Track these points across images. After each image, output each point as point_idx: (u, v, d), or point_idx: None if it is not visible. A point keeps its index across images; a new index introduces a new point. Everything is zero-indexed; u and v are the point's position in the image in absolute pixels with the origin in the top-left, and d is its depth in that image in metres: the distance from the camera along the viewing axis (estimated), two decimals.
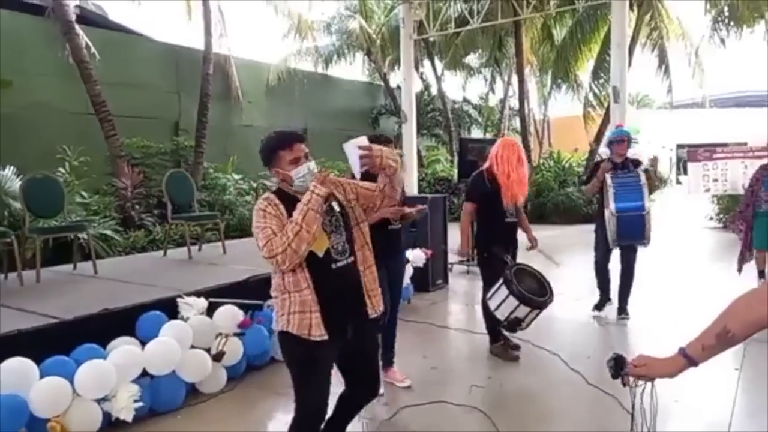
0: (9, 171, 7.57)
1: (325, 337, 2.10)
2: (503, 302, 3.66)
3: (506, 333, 4.21)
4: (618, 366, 1.56)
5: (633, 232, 4.68)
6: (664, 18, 13.53)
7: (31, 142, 8.78)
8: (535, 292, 3.69)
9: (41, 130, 9.19)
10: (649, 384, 1.54)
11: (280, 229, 2.05)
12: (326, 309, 2.12)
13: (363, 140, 2.18)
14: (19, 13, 9.57)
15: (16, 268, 4.68)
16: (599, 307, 5.25)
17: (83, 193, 8.11)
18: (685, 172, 14.35)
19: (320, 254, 2.12)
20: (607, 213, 4.77)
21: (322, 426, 2.26)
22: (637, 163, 4.97)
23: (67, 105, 9.72)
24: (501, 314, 3.70)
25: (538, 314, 3.72)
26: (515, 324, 3.69)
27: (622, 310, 5.07)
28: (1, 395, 2.65)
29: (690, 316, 4.84)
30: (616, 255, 5.13)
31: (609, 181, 4.71)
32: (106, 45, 10.25)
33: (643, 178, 4.69)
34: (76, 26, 9.26)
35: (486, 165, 4.14)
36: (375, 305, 2.27)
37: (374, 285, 2.27)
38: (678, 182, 23.88)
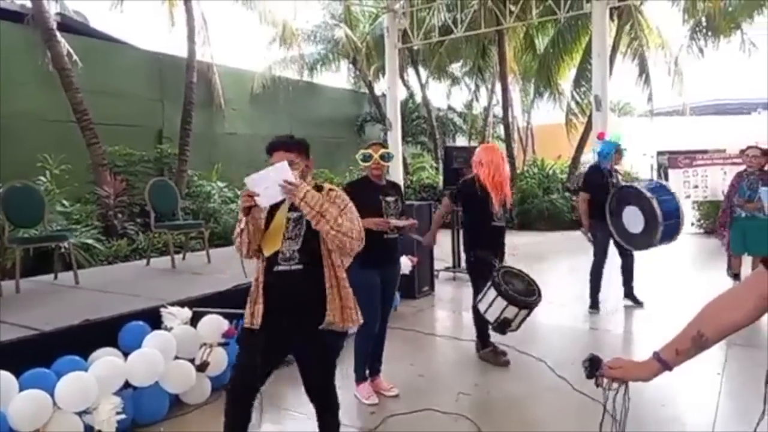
0: None
1: (256, 327, 2.29)
2: (492, 304, 3.71)
3: (493, 337, 4.24)
4: (593, 366, 1.58)
5: (672, 234, 5.06)
6: (644, 28, 13.79)
7: (10, 150, 8.62)
8: (523, 293, 3.74)
9: (21, 138, 9.04)
10: (622, 386, 1.55)
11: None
12: (266, 304, 2.29)
13: (284, 168, 2.21)
14: None
15: None
16: (595, 306, 5.53)
17: (64, 202, 7.99)
18: (666, 179, 14.58)
19: (266, 254, 2.31)
20: (635, 219, 5.06)
21: None
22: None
23: (48, 113, 9.58)
24: (491, 316, 3.75)
25: (527, 315, 3.76)
26: (505, 325, 3.72)
27: (635, 300, 5.62)
28: None
29: (674, 322, 4.90)
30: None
31: (646, 193, 4.97)
32: (88, 52, 10.15)
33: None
34: (57, 34, 9.14)
35: (473, 173, 4.17)
36: (332, 318, 2.30)
37: (334, 303, 2.32)
38: None
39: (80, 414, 2.87)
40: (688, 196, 11.44)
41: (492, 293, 3.71)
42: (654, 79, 14.08)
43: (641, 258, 5.70)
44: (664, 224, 4.82)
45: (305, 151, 2.42)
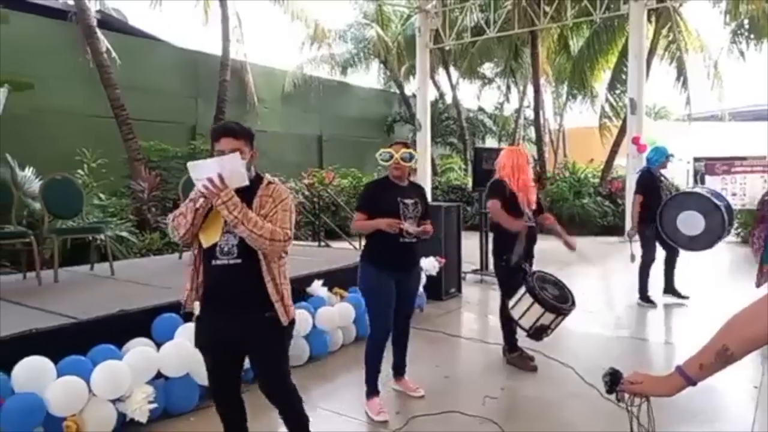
0: (29, 172, 7.69)
1: (197, 313, 2.30)
2: (528, 310, 3.64)
3: (520, 342, 4.19)
4: (613, 381, 1.53)
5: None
6: (683, 30, 13.45)
7: (50, 144, 8.92)
8: (558, 299, 3.68)
9: (61, 133, 9.35)
10: (644, 402, 1.50)
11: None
12: (205, 296, 2.27)
13: (234, 159, 2.13)
14: (42, 17, 9.76)
15: (34, 268, 4.74)
16: (646, 299, 5.83)
17: (101, 195, 8.21)
18: (704, 185, 14.19)
19: (205, 245, 2.24)
20: (693, 222, 5.43)
21: None
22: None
23: (87, 108, 9.88)
24: (526, 322, 3.67)
25: (562, 320, 3.71)
26: (541, 332, 3.66)
27: (679, 294, 5.91)
28: (19, 393, 2.69)
29: (702, 332, 4.77)
30: None
31: (709, 195, 5.47)
32: (126, 50, 10.43)
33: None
34: (98, 31, 9.42)
35: (497, 175, 4.12)
36: (278, 311, 2.25)
37: (274, 296, 2.25)
38: None
39: (114, 401, 2.95)
40: None
41: (528, 299, 3.63)
42: (692, 83, 13.73)
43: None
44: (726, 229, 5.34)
45: (251, 140, 2.30)
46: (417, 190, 3.51)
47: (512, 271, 3.93)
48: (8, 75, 7.19)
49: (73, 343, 3.07)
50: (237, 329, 2.24)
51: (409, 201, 3.32)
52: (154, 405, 3.04)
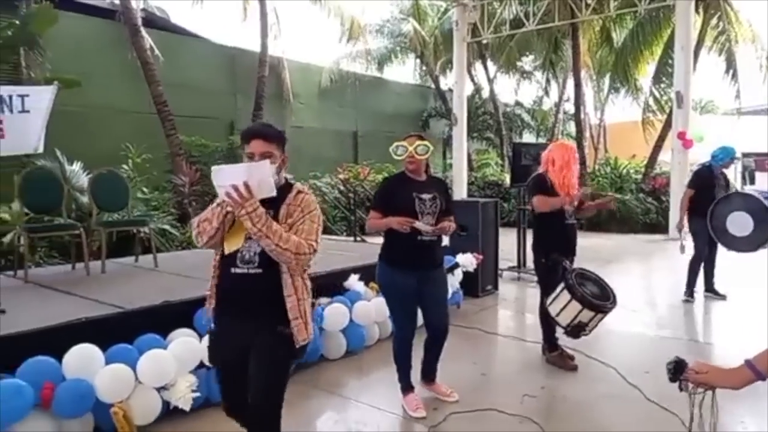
0: (77, 167, 7.99)
1: (212, 327, 2.23)
2: (565, 307, 3.57)
3: (560, 341, 4.12)
4: (678, 370, 1.52)
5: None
6: (733, 21, 12.89)
7: (97, 139, 9.23)
8: (598, 297, 3.60)
9: (107, 128, 9.66)
10: (709, 393, 1.48)
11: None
12: (220, 306, 2.18)
13: (258, 167, 1.98)
14: (90, 17, 10.09)
15: (83, 259, 4.92)
16: (691, 295, 5.84)
17: (144, 189, 8.46)
18: (752, 182, 13.61)
19: (226, 252, 2.12)
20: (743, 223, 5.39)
21: None
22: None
23: (131, 104, 10.18)
24: (564, 320, 3.61)
25: (601, 319, 3.62)
26: (579, 330, 3.59)
27: (717, 293, 5.87)
28: (70, 380, 2.79)
29: (749, 333, 4.59)
30: None
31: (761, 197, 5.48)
32: (168, 47, 10.69)
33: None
34: (142, 29, 9.68)
35: (542, 169, 4.05)
36: (295, 329, 2.11)
37: (293, 312, 2.11)
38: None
39: (159, 390, 3.03)
40: None
41: (566, 296, 3.57)
42: (742, 76, 13.15)
43: (722, 267, 5.68)
44: None
45: (283, 144, 2.17)
46: (437, 184, 3.35)
47: (552, 267, 3.86)
48: (58, 73, 7.48)
49: (119, 331, 3.17)
50: (248, 338, 2.12)
51: (426, 196, 3.17)
52: (197, 394, 3.12)
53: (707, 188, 5.67)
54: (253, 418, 2.16)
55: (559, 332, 3.96)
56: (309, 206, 2.13)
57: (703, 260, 5.80)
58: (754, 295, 5.92)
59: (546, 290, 3.89)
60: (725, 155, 5.79)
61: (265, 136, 2.10)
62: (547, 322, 3.98)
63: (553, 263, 3.87)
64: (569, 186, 3.91)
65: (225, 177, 1.93)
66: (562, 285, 3.62)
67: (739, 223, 5.37)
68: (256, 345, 2.11)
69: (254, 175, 1.95)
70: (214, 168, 1.96)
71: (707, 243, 5.69)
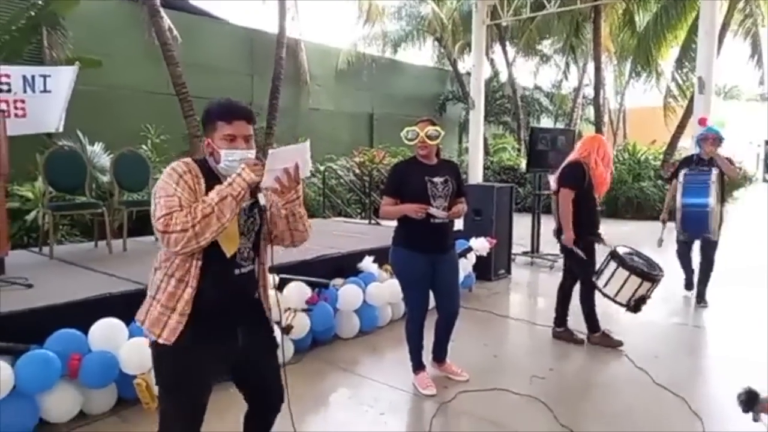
0: (97, 147, 8.14)
1: (170, 342, 1.77)
2: (625, 284, 3.70)
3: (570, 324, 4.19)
4: (750, 400, 1.50)
5: (697, 226, 4.98)
6: (761, 4, 12.55)
7: (117, 119, 9.37)
8: (648, 268, 3.79)
9: (127, 109, 9.80)
10: None
11: (190, 205, 1.70)
12: (210, 314, 1.81)
13: (306, 149, 1.80)
14: None
15: (105, 237, 5.05)
16: (688, 286, 5.59)
17: (163, 170, 8.58)
18: None
19: (228, 254, 1.82)
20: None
21: None
22: (729, 160, 5.13)
23: (150, 85, 10.29)
24: (623, 297, 3.75)
25: (654, 289, 3.78)
26: (640, 302, 3.73)
27: (701, 297, 5.31)
28: (96, 351, 2.92)
29: (759, 321, 4.59)
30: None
31: (680, 177, 5.02)
32: (186, 28, 10.74)
33: (714, 177, 4.88)
34: (161, 10, 9.73)
35: (578, 156, 4.05)
36: (272, 323, 2.05)
37: (269, 303, 2.03)
38: (765, 180, 22.23)
39: None
40: None
41: (622, 273, 3.70)
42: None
43: (741, 253, 5.50)
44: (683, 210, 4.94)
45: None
46: (448, 167, 3.38)
47: (590, 251, 4.00)
48: (79, 53, 7.59)
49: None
50: (233, 348, 1.88)
51: (438, 179, 3.21)
52: None
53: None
54: (274, 414, 2.05)
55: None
56: None
57: (685, 255, 5.44)
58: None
59: (587, 272, 3.98)
60: (701, 135, 5.17)
61: (249, 117, 1.85)
62: (591, 304, 4.14)
63: (588, 245, 3.98)
64: (603, 182, 4.03)
65: (278, 160, 1.76)
66: (614, 264, 3.75)
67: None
68: (251, 343, 1.92)
69: (304, 156, 1.80)
70: (271, 151, 1.75)
71: (687, 246, 5.38)
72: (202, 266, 1.78)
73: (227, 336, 1.86)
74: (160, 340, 1.78)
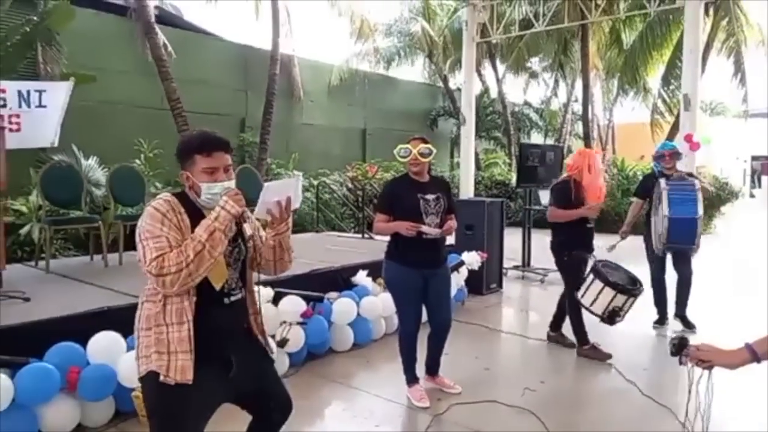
0: (92, 161, 8.19)
1: (190, 380, 1.74)
2: (598, 296, 3.78)
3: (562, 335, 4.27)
4: (681, 346, 1.64)
5: (687, 237, 4.62)
6: (743, 23, 12.89)
7: (111, 134, 9.40)
8: (627, 282, 3.86)
9: (121, 124, 9.84)
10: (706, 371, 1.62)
11: (178, 243, 1.71)
12: (206, 347, 1.79)
13: (299, 184, 1.90)
14: (104, 13, 10.27)
15: (100, 251, 5.09)
16: (661, 322, 5.10)
17: (157, 184, 8.62)
18: (759, 185, 13.63)
19: (217, 285, 1.83)
20: (655, 217, 4.75)
21: None
22: (690, 175, 5.00)
23: (145, 100, 10.36)
24: (598, 308, 3.82)
25: (632, 303, 3.83)
26: (615, 315, 3.80)
27: (685, 321, 4.95)
28: (94, 364, 2.95)
29: (755, 335, 4.67)
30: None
31: (663, 184, 4.64)
32: (181, 44, 10.85)
33: (698, 186, 4.72)
34: (156, 26, 9.85)
35: (569, 174, 4.27)
36: (268, 345, 2.07)
37: (261, 326, 2.04)
38: (752, 196, 22.63)
39: None
40: None
41: (597, 284, 3.79)
42: (751, 78, 13.17)
43: (727, 267, 5.47)
44: (670, 217, 4.53)
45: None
46: (439, 184, 3.46)
47: (576, 264, 4.09)
48: (73, 68, 7.66)
49: None
50: (226, 382, 1.87)
51: (430, 196, 3.28)
52: None
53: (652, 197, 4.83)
54: (279, 425, 2.07)
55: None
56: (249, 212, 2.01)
57: (659, 281, 5.04)
58: (757, 293, 5.98)
59: (574, 285, 4.06)
60: (657, 155, 4.99)
61: (227, 148, 1.86)
62: (578, 316, 4.20)
63: (576, 260, 4.09)
64: (594, 193, 4.16)
65: (272, 193, 1.85)
66: (591, 276, 3.85)
67: (659, 220, 4.68)
68: (245, 363, 1.90)
69: (298, 188, 1.89)
70: (266, 185, 1.85)
71: (662, 263, 5.00)
72: (197, 302, 1.78)
73: (222, 367, 1.84)
74: (167, 380, 1.73)
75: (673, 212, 4.57)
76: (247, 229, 1.93)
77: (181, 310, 1.75)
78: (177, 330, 1.75)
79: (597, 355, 4.21)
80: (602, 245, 4.55)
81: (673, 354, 1.65)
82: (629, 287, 3.81)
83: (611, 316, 3.80)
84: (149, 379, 1.77)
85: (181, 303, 1.76)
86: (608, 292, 3.75)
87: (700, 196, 4.65)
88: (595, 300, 3.81)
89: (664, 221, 4.55)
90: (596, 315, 3.87)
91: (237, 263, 1.90)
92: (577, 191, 4.16)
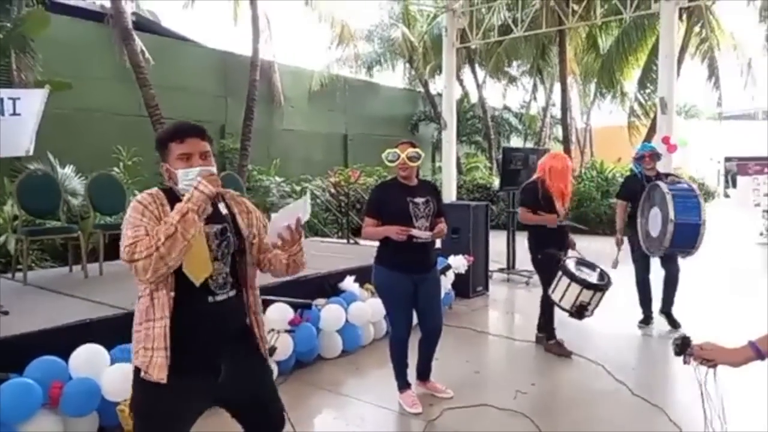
0: (69, 170, 8.00)
1: (163, 380, 1.70)
2: (566, 291, 3.84)
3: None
4: (684, 345, 1.64)
5: (686, 241, 4.48)
6: (715, 29, 13.22)
7: (89, 142, 9.22)
8: (596, 278, 3.92)
9: (98, 131, 9.65)
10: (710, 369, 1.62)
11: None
12: (188, 347, 1.74)
13: (306, 206, 1.85)
14: (80, 19, 10.08)
15: (79, 262, 4.95)
16: (646, 321, 5.12)
17: (136, 192, 8.41)
18: (734, 186, 13.95)
19: (197, 283, 1.74)
20: (642, 219, 4.76)
21: None
22: (668, 176, 4.96)
23: (122, 107, 10.18)
24: (567, 303, 3.87)
25: (600, 298, 3.87)
26: (582, 310, 3.84)
27: (670, 319, 4.98)
28: (77, 378, 2.86)
29: (740, 334, 4.74)
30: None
31: (665, 188, 4.51)
32: (159, 50, 10.70)
33: (698, 190, 4.70)
34: (133, 33, 9.70)
35: (537, 176, 4.33)
36: (263, 351, 1.97)
37: (258, 331, 1.95)
38: (726, 196, 23.11)
39: None
40: (758, 205, 10.94)
41: (565, 281, 3.85)
42: (724, 82, 13.52)
43: (706, 268, 5.51)
44: (677, 223, 4.34)
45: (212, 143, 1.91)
46: (428, 187, 3.47)
47: (548, 262, 4.13)
48: (49, 76, 7.49)
49: (123, 331, 3.21)
50: (215, 384, 1.81)
51: (419, 200, 3.28)
52: None
53: (637, 198, 4.85)
54: (277, 411, 2.01)
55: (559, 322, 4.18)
56: (248, 205, 1.99)
57: (644, 281, 5.05)
58: (749, 294, 6.08)
59: (547, 283, 4.12)
60: (637, 157, 5.10)
61: (202, 133, 1.83)
62: (549, 312, 4.29)
63: (548, 258, 4.13)
64: (562, 194, 4.24)
65: (282, 219, 1.83)
66: (560, 272, 3.90)
67: (654, 222, 4.66)
68: (239, 369, 1.85)
69: (306, 209, 1.85)
70: (274, 216, 1.84)
71: (647, 263, 5.01)
72: (176, 297, 1.73)
73: (208, 370, 1.78)
74: (147, 377, 1.71)
75: (679, 218, 4.43)
76: (223, 209, 1.86)
77: (163, 306, 1.72)
78: (159, 326, 1.71)
79: (561, 351, 4.33)
80: (585, 247, 4.57)
81: (677, 354, 1.64)
82: (595, 282, 3.87)
83: (579, 311, 3.87)
84: (135, 375, 1.77)
85: (165, 297, 1.72)
86: (575, 288, 3.83)
87: (702, 201, 4.56)
88: (563, 296, 3.89)
89: (669, 226, 4.41)
90: (565, 310, 3.94)
91: (226, 257, 1.83)
92: (544, 192, 4.24)
